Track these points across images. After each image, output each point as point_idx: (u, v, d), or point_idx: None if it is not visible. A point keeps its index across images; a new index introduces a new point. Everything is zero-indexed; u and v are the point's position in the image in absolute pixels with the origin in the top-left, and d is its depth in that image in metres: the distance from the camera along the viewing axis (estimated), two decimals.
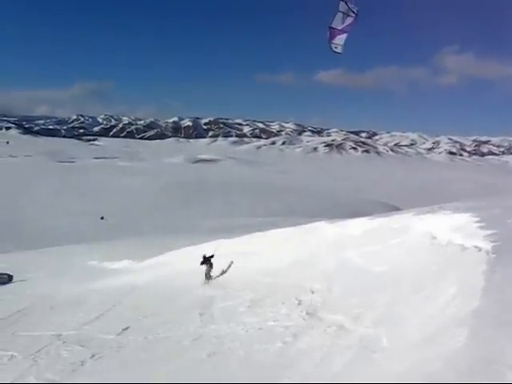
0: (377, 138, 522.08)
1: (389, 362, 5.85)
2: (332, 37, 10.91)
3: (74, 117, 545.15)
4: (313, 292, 11.44)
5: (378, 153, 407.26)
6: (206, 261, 18.51)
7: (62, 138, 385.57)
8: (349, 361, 6.71)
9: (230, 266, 18.75)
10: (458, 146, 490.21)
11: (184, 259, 22.80)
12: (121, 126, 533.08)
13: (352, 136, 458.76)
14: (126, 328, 12.54)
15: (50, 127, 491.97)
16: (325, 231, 17.43)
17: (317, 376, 6.73)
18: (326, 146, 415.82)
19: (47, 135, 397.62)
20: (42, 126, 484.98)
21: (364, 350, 6.89)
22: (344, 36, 10.95)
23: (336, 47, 10.97)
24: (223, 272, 18.58)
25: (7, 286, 24.30)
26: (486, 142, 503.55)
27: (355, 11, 10.72)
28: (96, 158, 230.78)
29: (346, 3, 10.63)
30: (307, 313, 10.03)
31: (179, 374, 8.51)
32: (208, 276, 18.13)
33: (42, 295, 20.08)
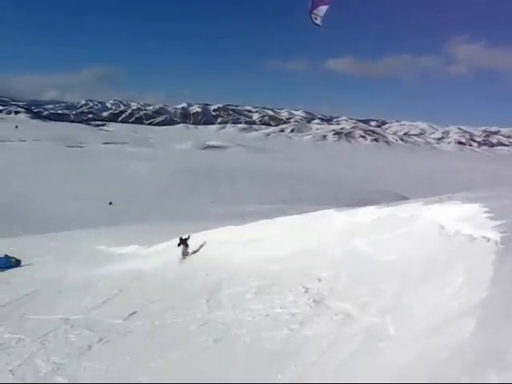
0: (386, 126, 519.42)
1: (395, 351, 5.85)
2: (314, 7, 10.96)
3: (83, 102, 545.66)
4: (320, 280, 11.44)
5: (387, 142, 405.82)
6: (183, 242, 21.66)
7: (70, 123, 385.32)
8: (355, 349, 6.71)
9: (201, 246, 21.79)
10: (467, 136, 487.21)
11: (191, 245, 22.86)
12: (130, 111, 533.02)
13: (361, 124, 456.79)
14: (133, 313, 12.61)
15: (59, 112, 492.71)
16: (333, 219, 17.37)
17: (323, 364, 6.74)
18: (335, 134, 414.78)
19: (56, 120, 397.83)
20: (51, 111, 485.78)
21: (370, 339, 6.88)
22: (325, 8, 11.01)
23: (316, 18, 11.01)
24: (194, 251, 21.58)
25: (15, 269, 24.45)
26: (496, 133, 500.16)
27: None
28: (105, 144, 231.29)
29: None
30: (314, 300, 10.03)
31: (185, 360, 8.56)
32: (184, 254, 21.16)
33: (50, 279, 20.21)
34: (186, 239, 21.80)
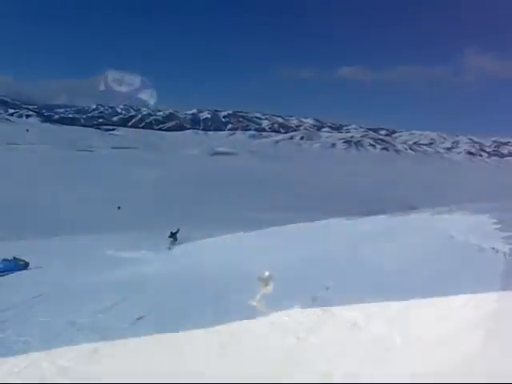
0: (396, 135, 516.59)
1: (402, 361, 5.82)
2: None
3: (94, 106, 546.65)
4: (327, 288, 11.41)
5: (397, 151, 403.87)
6: (173, 235, 26.86)
7: (81, 127, 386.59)
8: (362, 358, 6.69)
9: (184, 239, 26.43)
10: (477, 146, 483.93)
11: (200, 250, 22.90)
12: (140, 116, 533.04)
13: (371, 133, 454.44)
14: (140, 318, 12.59)
15: (70, 116, 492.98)
16: (341, 228, 17.38)
17: (329, 373, 6.72)
18: (344, 142, 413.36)
19: (67, 124, 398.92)
20: (62, 115, 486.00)
21: (377, 349, 6.86)
22: None
23: None
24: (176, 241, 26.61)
25: (23, 272, 24.51)
26: (507, 143, 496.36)
27: None
28: (114, 148, 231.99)
29: None
30: (321, 309, 10.00)
31: (190, 366, 8.54)
32: (171, 244, 25.91)
33: (58, 282, 20.24)
34: (176, 233, 27.03)
